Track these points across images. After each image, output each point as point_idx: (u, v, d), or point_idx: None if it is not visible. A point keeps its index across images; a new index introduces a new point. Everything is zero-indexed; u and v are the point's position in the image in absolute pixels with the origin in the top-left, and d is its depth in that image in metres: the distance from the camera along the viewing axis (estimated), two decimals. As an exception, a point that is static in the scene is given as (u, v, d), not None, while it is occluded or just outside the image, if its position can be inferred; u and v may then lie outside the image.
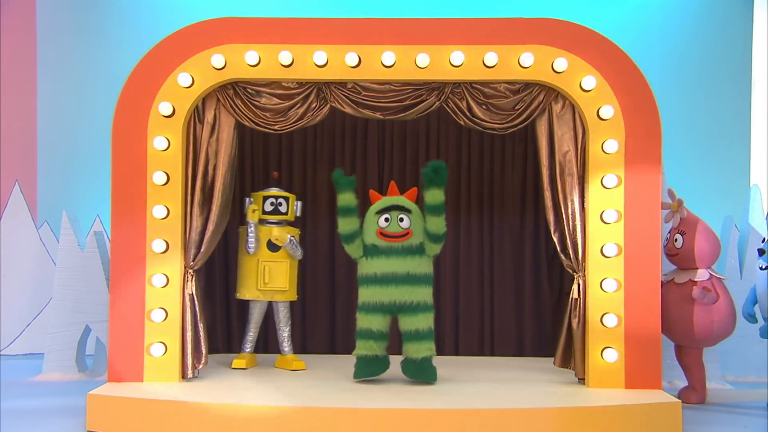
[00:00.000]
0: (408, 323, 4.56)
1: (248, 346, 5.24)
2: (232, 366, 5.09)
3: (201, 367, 4.67)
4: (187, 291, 4.57)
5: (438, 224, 4.51)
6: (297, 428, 3.92)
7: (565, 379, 4.76)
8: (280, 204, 5.17)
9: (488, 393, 4.33)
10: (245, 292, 5.17)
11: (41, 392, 5.14)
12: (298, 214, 5.34)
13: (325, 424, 3.92)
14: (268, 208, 5.15)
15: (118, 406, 4.11)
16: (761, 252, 4.89)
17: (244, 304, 5.38)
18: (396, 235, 4.53)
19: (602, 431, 3.98)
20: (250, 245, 5.01)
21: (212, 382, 4.59)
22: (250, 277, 5.12)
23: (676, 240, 4.93)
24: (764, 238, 5.06)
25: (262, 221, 5.14)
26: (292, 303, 5.32)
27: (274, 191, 5.23)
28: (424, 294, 4.58)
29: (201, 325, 4.63)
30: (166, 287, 4.52)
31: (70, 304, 5.73)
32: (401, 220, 4.55)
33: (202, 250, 4.62)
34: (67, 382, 5.51)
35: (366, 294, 4.59)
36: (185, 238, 4.61)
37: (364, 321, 4.59)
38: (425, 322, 4.56)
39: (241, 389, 4.40)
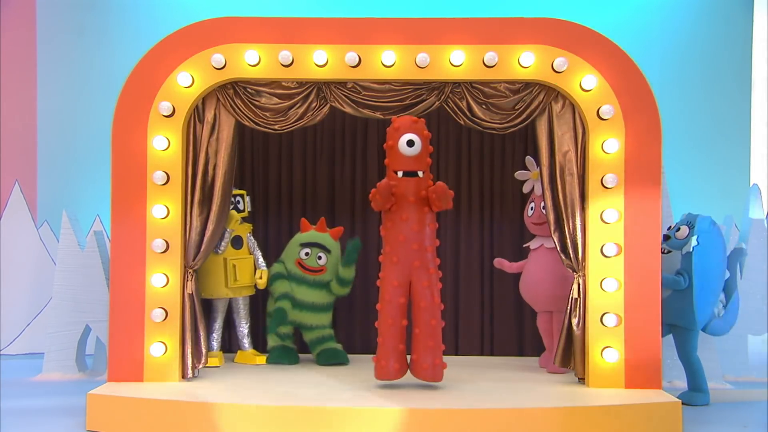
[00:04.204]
0: (311, 335, 5.34)
1: (216, 344, 5.33)
2: (207, 365, 5.06)
3: (201, 366, 4.67)
4: (187, 291, 4.57)
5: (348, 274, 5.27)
6: (297, 428, 3.92)
7: (565, 379, 4.76)
8: (239, 202, 5.35)
9: (488, 393, 4.33)
10: (212, 292, 5.24)
11: (41, 392, 5.14)
12: (249, 209, 5.51)
13: (326, 424, 3.92)
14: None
15: (118, 406, 4.11)
16: (666, 237, 4.96)
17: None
18: (312, 269, 5.25)
19: (602, 431, 3.98)
20: (221, 248, 5.15)
21: (212, 382, 4.59)
22: (216, 276, 5.21)
23: (543, 207, 5.03)
24: (670, 226, 5.12)
25: None
26: (256, 300, 5.55)
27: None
28: (323, 319, 5.35)
29: (201, 325, 4.64)
30: (166, 287, 4.52)
31: (70, 304, 5.73)
32: (319, 257, 5.28)
33: (202, 249, 4.62)
34: (67, 382, 5.51)
35: (276, 304, 5.24)
36: (185, 238, 4.61)
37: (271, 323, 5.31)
38: (325, 331, 5.34)
39: (241, 389, 4.40)
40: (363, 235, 5.83)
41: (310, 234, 5.36)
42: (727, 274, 5.09)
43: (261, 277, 5.30)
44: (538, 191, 5.18)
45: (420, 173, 4.38)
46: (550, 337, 5.20)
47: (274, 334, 5.38)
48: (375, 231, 5.82)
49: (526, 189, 5.36)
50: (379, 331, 4.40)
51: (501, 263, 5.50)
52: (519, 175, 5.37)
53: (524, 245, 5.40)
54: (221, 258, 5.20)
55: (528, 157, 5.32)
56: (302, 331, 5.38)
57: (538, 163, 4.69)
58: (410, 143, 4.32)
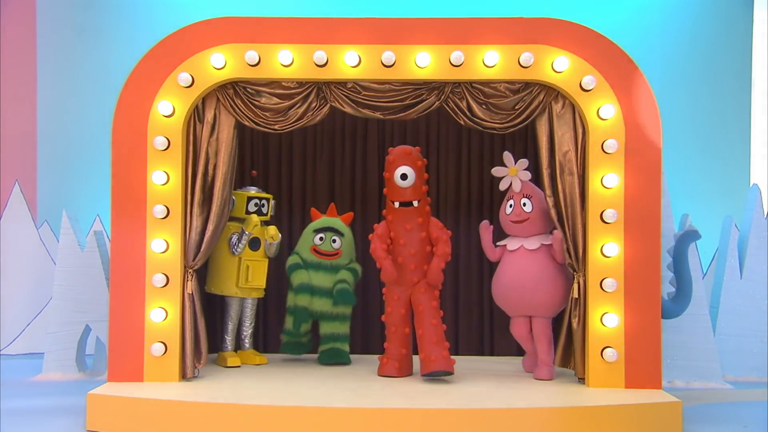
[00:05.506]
0: (327, 328, 5.29)
1: (229, 345, 5.31)
2: (228, 364, 5.12)
3: (201, 366, 4.67)
4: (187, 291, 4.57)
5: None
6: (297, 428, 3.92)
7: (565, 379, 4.76)
8: (263, 205, 5.35)
9: (488, 393, 4.32)
10: (223, 288, 5.27)
11: (41, 392, 5.14)
12: (272, 213, 5.51)
13: (325, 424, 3.92)
14: (252, 208, 5.30)
15: (118, 406, 4.11)
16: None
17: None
18: (327, 254, 5.28)
19: (602, 431, 3.98)
20: (238, 249, 5.16)
21: (212, 382, 4.59)
22: (229, 274, 5.23)
23: (524, 204, 4.86)
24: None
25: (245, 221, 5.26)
26: (259, 300, 5.51)
27: (253, 192, 5.37)
28: (344, 306, 5.29)
29: (201, 325, 4.64)
30: (166, 287, 4.52)
31: (70, 304, 5.73)
32: (334, 241, 5.31)
33: (202, 249, 4.62)
34: (67, 382, 5.51)
35: (296, 299, 5.23)
36: (185, 238, 4.61)
37: (291, 322, 5.33)
38: (342, 327, 5.31)
39: (241, 389, 4.40)
40: (363, 234, 5.83)
41: (322, 220, 5.41)
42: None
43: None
44: (516, 188, 4.90)
45: (415, 203, 4.71)
46: (530, 342, 4.97)
47: (289, 333, 5.36)
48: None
49: (503, 186, 5.00)
50: (387, 337, 4.83)
51: (485, 230, 5.13)
52: (496, 171, 4.97)
53: (497, 244, 5.07)
54: (237, 257, 5.20)
55: (506, 152, 5.00)
56: (321, 322, 5.31)
57: (539, 163, 4.68)
58: (403, 177, 4.67)
